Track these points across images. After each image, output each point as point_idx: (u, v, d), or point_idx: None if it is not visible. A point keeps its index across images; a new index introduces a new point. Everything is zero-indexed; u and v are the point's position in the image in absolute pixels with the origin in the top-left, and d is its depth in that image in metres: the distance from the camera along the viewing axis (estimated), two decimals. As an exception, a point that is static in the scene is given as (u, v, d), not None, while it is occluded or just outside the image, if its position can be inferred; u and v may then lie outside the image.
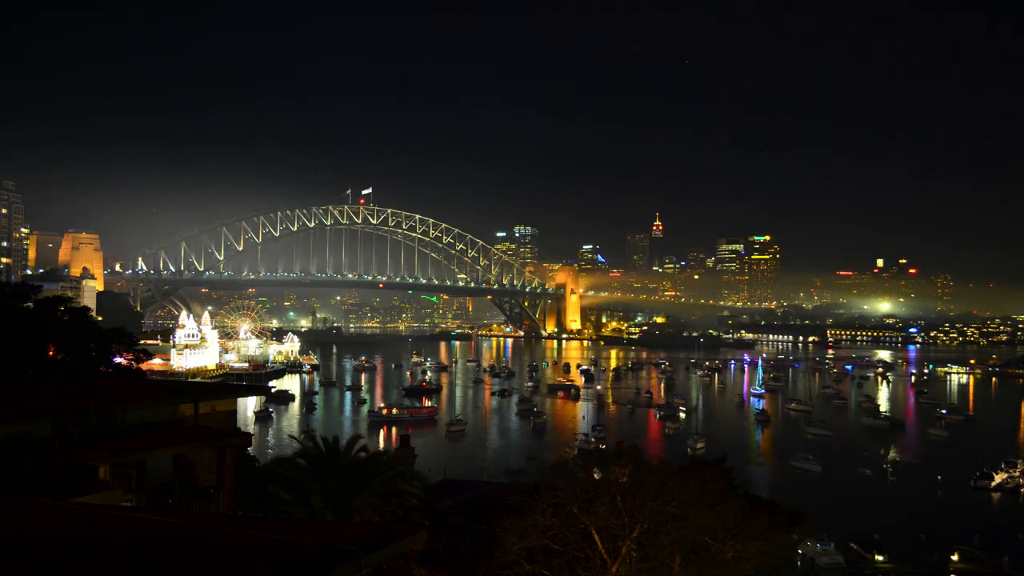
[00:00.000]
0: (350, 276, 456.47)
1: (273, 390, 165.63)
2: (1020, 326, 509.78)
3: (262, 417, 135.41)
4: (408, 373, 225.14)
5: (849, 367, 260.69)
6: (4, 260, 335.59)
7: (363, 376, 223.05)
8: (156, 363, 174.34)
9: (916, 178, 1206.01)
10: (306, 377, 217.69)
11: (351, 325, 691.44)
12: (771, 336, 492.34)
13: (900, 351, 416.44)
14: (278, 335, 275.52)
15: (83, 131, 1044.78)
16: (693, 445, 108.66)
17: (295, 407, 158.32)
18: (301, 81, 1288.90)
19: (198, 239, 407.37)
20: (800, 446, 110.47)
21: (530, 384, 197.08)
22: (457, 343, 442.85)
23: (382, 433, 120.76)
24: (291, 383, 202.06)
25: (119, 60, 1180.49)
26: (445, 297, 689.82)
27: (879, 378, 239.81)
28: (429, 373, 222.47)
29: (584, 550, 29.33)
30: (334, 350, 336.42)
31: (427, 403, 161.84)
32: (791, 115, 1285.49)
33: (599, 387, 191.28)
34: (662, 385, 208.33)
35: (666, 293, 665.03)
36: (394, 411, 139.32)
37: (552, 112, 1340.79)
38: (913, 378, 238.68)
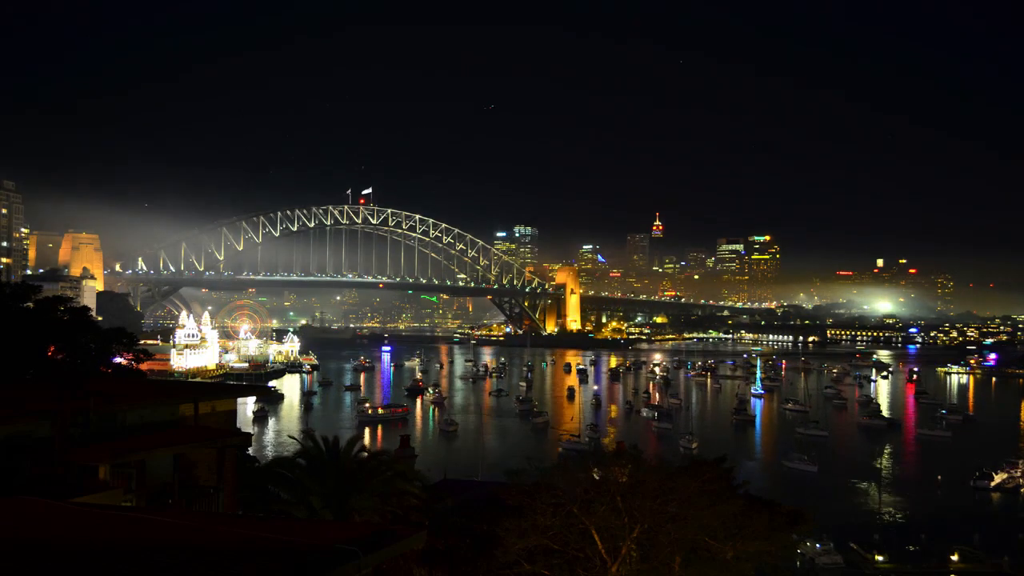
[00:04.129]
0: (350, 276, 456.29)
1: (274, 390, 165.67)
2: (1020, 326, 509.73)
3: (259, 417, 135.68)
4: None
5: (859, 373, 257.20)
6: (4, 260, 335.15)
7: (362, 376, 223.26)
8: (156, 363, 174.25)
9: (916, 178, 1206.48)
10: (306, 377, 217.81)
11: (351, 325, 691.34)
12: (771, 336, 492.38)
13: (900, 351, 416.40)
14: (278, 335, 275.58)
15: (83, 131, 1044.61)
16: (688, 445, 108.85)
17: (293, 407, 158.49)
18: (302, 81, 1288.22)
19: (198, 239, 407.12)
20: (796, 446, 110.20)
21: (523, 384, 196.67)
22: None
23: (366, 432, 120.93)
24: (291, 383, 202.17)
25: (120, 60, 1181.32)
26: (445, 297, 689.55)
27: (879, 378, 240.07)
28: (419, 373, 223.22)
29: (584, 550, 29.33)
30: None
31: (423, 401, 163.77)
32: (791, 115, 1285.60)
33: (596, 387, 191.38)
34: (657, 385, 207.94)
35: (666, 293, 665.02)
36: (379, 411, 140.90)
37: (552, 113, 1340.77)
38: (914, 377, 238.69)
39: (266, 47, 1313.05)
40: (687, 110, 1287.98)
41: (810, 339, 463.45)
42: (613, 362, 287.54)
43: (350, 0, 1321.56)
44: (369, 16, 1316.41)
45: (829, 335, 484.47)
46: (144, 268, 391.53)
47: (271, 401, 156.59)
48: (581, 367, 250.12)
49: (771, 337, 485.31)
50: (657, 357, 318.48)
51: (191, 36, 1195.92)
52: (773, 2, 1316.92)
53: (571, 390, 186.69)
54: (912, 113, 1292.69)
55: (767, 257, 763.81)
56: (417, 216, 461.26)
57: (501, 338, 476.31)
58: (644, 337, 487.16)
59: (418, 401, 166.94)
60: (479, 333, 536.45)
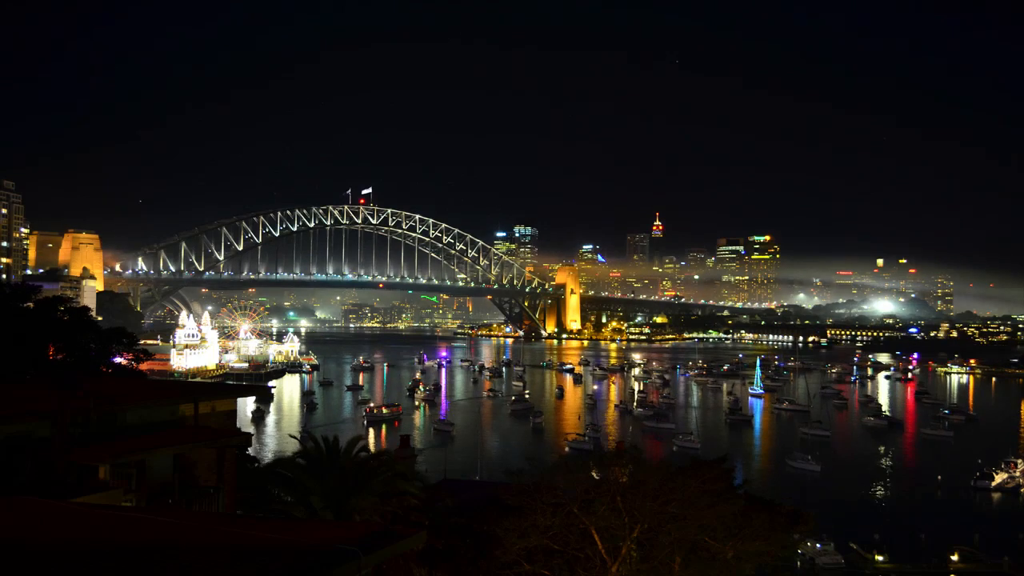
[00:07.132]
0: (350, 276, 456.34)
1: (273, 390, 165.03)
2: (1020, 326, 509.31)
3: (256, 417, 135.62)
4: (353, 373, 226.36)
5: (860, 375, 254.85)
6: (4, 260, 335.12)
7: (361, 376, 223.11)
8: (156, 363, 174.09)
9: (916, 179, 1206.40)
10: (306, 377, 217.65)
11: (351, 325, 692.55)
12: (771, 336, 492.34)
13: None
14: (279, 337, 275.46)
15: (83, 131, 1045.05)
16: (681, 443, 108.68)
17: (292, 406, 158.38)
18: (303, 80, 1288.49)
19: (198, 239, 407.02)
20: (796, 446, 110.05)
21: (519, 384, 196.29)
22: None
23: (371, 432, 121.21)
24: (290, 383, 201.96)
25: (120, 60, 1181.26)
26: (445, 297, 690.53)
27: (878, 378, 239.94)
28: (419, 373, 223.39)
29: (584, 550, 29.32)
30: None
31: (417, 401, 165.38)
32: (791, 115, 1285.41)
33: (595, 387, 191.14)
34: (652, 385, 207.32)
35: (666, 293, 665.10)
36: (383, 410, 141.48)
37: (552, 114, 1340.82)
38: (914, 377, 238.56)
39: (271, 61, 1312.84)
40: (687, 112, 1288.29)
41: (810, 339, 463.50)
42: (612, 360, 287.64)
43: (359, 19, 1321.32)
44: (373, 17, 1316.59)
45: (829, 335, 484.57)
46: (144, 268, 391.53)
47: (263, 400, 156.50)
48: (570, 366, 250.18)
49: (771, 337, 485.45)
50: (642, 358, 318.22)
51: (195, 36, 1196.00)
52: (775, 10, 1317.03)
53: (560, 390, 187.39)
54: (913, 114, 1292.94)
55: (767, 257, 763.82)
56: (417, 216, 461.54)
57: (511, 339, 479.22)
58: (646, 336, 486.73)
59: (413, 400, 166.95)
60: (479, 332, 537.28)
